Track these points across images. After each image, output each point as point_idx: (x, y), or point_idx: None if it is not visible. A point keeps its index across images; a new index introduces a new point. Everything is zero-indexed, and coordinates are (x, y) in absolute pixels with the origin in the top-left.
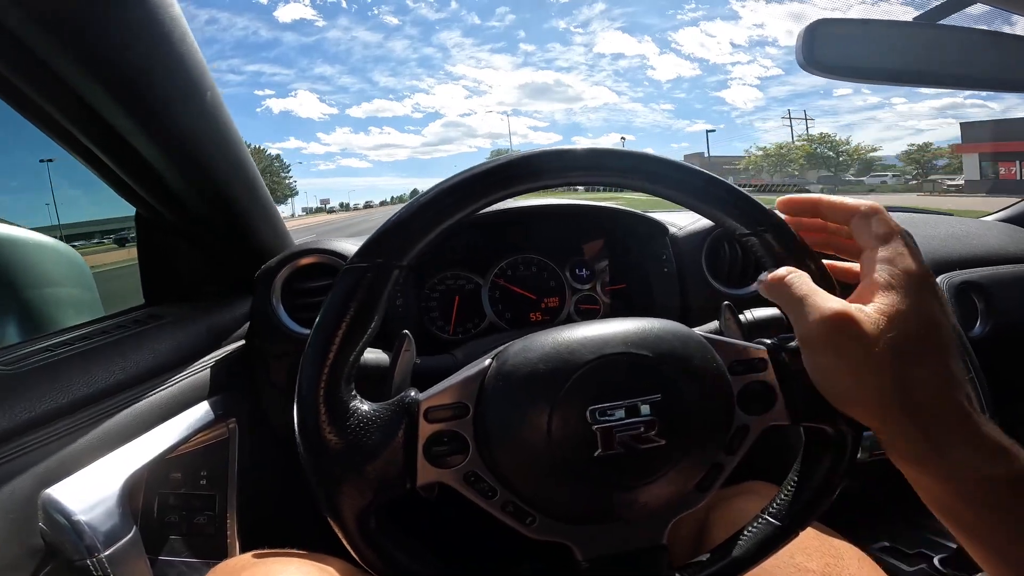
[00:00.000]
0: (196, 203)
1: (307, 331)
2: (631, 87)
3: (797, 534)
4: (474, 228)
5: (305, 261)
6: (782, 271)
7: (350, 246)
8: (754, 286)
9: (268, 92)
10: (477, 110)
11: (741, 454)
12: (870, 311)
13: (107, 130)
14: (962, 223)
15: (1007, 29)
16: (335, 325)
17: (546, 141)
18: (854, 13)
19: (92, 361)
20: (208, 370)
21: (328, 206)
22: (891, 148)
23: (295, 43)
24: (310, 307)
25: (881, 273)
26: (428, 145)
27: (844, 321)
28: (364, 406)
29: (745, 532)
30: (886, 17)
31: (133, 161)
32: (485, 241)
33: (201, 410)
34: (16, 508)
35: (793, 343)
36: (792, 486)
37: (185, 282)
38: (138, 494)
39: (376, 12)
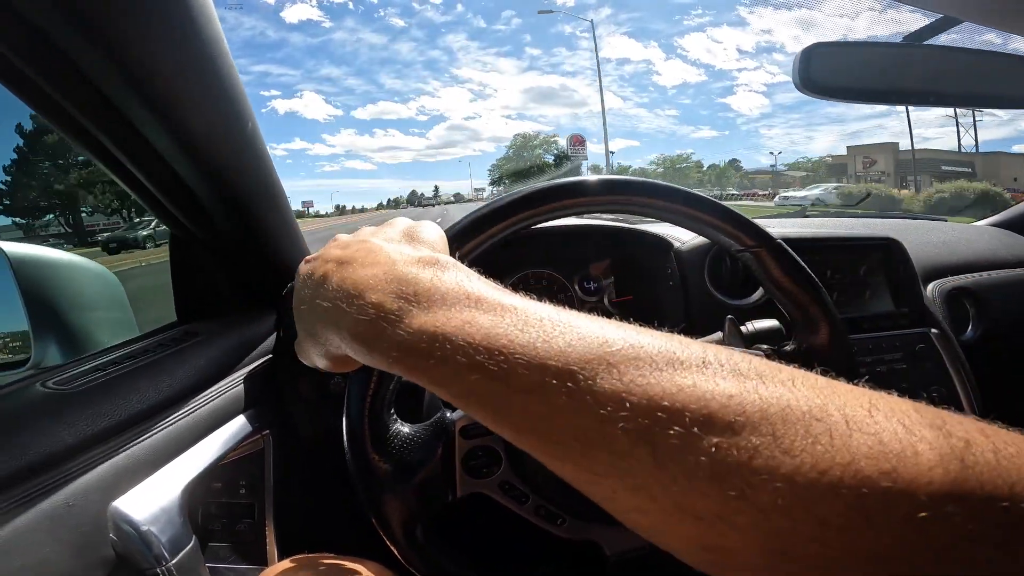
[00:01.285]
0: (229, 224)
1: None
2: (636, 92)
3: None
4: None
5: None
6: None
7: None
8: (754, 296)
9: (274, 93)
10: (482, 113)
11: None
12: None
13: (154, 156)
14: (954, 229)
15: (992, 47)
16: None
17: None
18: (861, 21)
19: (142, 378)
20: (241, 384)
21: (312, 210)
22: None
23: (301, 44)
24: None
25: None
26: (432, 148)
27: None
28: (405, 428)
29: None
30: (894, 27)
31: (174, 184)
32: (497, 257)
33: (239, 422)
34: (88, 520)
35: (788, 348)
36: None
37: (213, 299)
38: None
39: (382, 14)
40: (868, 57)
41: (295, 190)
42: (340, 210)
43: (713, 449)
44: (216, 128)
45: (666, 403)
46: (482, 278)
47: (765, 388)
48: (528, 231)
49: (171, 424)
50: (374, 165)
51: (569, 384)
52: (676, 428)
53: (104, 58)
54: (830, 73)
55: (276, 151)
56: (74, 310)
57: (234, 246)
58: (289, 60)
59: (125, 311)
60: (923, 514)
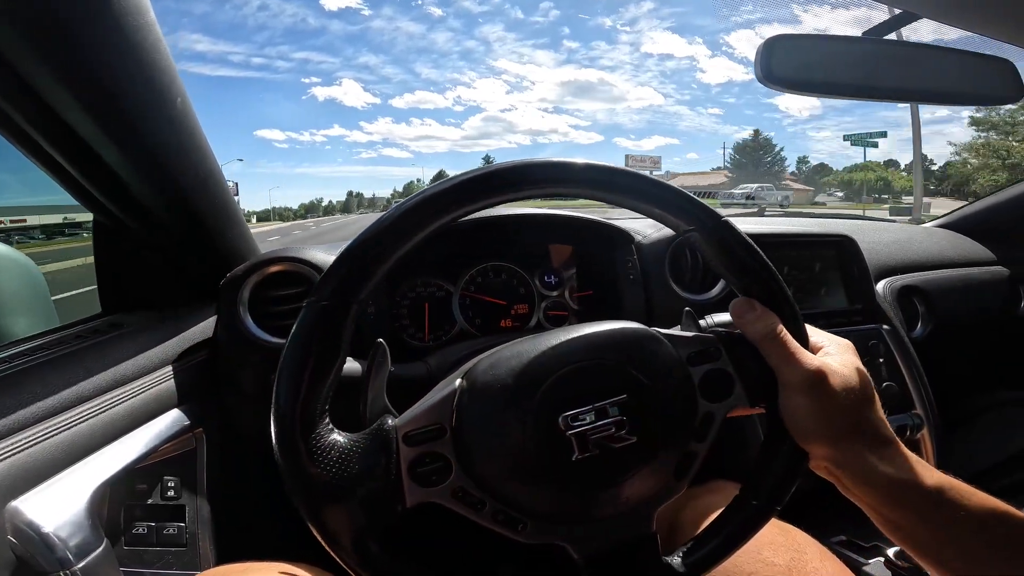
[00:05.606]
0: (161, 211)
1: (275, 339)
2: (678, 89)
3: (776, 510)
4: (444, 237)
5: (273, 269)
6: (754, 313)
7: (320, 255)
8: (715, 291)
9: (314, 80)
10: (518, 106)
11: (711, 440)
12: (837, 368)
13: (71, 135)
14: (905, 230)
15: (950, 44)
16: (302, 366)
17: (587, 141)
18: (925, 22)
19: (53, 372)
20: (173, 379)
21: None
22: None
23: (341, 32)
24: (278, 315)
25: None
26: (468, 139)
27: (822, 376)
28: (342, 438)
29: (726, 516)
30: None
31: (97, 168)
32: (455, 249)
33: (168, 419)
34: None
35: (739, 331)
36: (763, 467)
37: (145, 290)
38: (104, 506)
39: (420, 2)
40: (829, 50)
41: (335, 176)
42: (348, 198)
43: None
44: (139, 105)
45: None
46: None
47: None
48: (484, 220)
49: (86, 420)
50: (410, 154)
51: None
52: None
53: (15, 29)
54: (791, 66)
55: (316, 136)
56: None
57: (168, 235)
58: (329, 48)
59: (45, 302)
60: None
